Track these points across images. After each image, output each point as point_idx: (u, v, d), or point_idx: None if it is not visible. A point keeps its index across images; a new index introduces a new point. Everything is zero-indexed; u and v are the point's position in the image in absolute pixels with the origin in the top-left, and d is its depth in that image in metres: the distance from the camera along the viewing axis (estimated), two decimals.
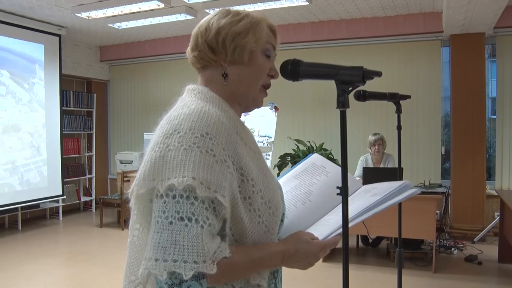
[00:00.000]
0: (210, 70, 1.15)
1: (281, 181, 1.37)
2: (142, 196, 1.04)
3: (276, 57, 1.22)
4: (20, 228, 6.53)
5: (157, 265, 0.94)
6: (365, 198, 1.22)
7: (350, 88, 1.08)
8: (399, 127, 2.71)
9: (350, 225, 1.10)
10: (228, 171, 1.00)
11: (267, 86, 1.19)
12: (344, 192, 1.07)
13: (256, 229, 1.05)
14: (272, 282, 1.14)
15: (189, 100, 1.11)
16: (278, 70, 1.16)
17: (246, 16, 1.14)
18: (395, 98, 2.56)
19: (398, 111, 2.64)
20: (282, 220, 1.16)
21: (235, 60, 1.11)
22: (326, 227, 1.16)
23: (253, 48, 1.12)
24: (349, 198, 1.24)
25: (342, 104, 1.07)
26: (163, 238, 0.94)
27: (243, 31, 1.11)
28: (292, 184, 1.35)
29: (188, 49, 1.18)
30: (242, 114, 1.22)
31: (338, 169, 1.14)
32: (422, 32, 6.04)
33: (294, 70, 1.12)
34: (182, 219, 0.94)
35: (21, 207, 6.50)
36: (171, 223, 0.95)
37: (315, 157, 1.43)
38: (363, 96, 2.32)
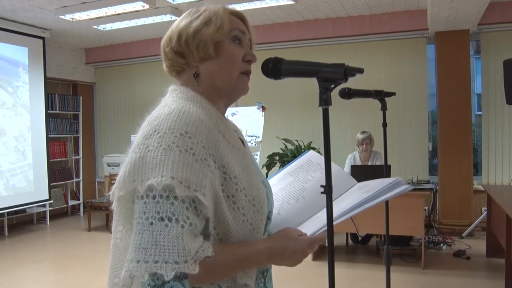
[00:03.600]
0: (186, 74, 1.15)
1: (276, 178, 1.37)
2: (123, 198, 1.03)
3: (253, 42, 1.19)
4: (6, 233, 6.44)
5: (139, 266, 0.93)
6: (357, 194, 1.21)
7: (332, 86, 1.07)
8: (384, 124, 2.71)
9: (340, 220, 1.10)
10: (209, 169, 0.99)
11: (247, 72, 1.16)
12: (328, 190, 1.06)
13: (241, 227, 1.04)
14: (261, 281, 1.13)
15: (171, 100, 1.11)
16: (260, 67, 1.13)
17: (204, 11, 1.13)
18: (380, 96, 2.56)
19: (384, 108, 2.65)
20: (269, 218, 1.14)
21: (202, 57, 1.11)
22: (316, 223, 1.15)
23: (217, 39, 1.10)
24: (344, 195, 1.25)
25: (325, 101, 1.06)
26: (144, 239, 0.94)
27: (200, 26, 1.10)
28: (287, 181, 1.34)
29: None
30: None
31: (334, 166, 1.13)
32: (407, 30, 6.09)
33: (275, 69, 1.11)
34: (162, 219, 0.94)
35: (7, 212, 6.40)
36: (151, 223, 0.94)
37: (310, 154, 1.42)
38: (347, 94, 2.32)
